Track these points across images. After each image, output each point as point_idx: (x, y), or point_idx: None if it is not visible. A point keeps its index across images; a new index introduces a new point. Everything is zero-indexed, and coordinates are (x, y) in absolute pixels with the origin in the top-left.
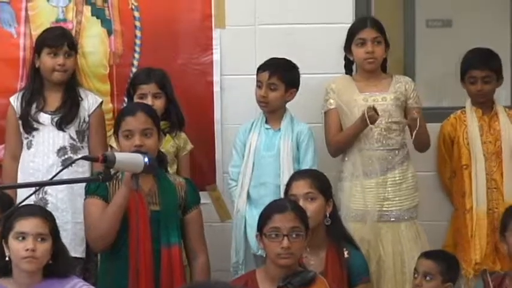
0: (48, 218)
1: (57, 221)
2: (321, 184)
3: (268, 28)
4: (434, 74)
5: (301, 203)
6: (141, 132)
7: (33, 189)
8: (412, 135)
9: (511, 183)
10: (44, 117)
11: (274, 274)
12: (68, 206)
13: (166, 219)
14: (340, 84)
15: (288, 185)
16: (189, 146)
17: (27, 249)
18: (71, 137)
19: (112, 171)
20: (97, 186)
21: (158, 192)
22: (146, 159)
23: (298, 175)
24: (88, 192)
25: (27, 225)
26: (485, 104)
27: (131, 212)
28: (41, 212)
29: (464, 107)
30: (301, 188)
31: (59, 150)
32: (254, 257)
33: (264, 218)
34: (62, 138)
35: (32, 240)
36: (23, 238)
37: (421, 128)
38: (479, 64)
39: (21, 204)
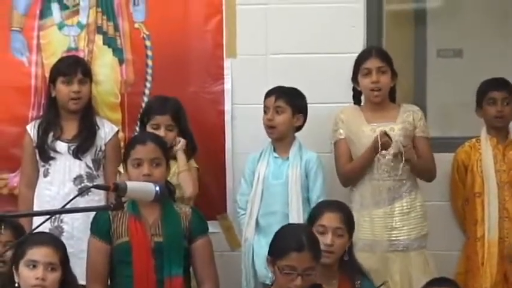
0: (59, 247)
1: (72, 250)
2: (349, 221)
3: (279, 58)
4: (445, 104)
5: (328, 235)
6: (150, 161)
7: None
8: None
9: None
10: (61, 146)
11: None
12: (83, 235)
13: (169, 251)
14: (348, 114)
15: (318, 213)
16: (194, 165)
17: (37, 278)
18: (87, 166)
19: (123, 199)
20: (99, 224)
21: (162, 223)
22: (157, 188)
23: (331, 207)
24: (91, 230)
25: (39, 253)
26: (500, 132)
27: (134, 244)
28: (52, 241)
29: (476, 137)
30: (334, 221)
31: (75, 179)
32: (263, 286)
33: (279, 250)
34: (78, 167)
35: (42, 269)
36: (34, 266)
37: (425, 157)
38: (497, 86)
39: (33, 232)
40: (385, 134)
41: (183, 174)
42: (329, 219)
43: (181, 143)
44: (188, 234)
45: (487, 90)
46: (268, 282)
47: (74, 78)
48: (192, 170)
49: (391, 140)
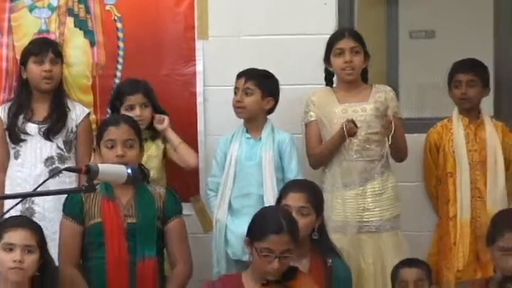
0: (35, 230)
1: (45, 231)
2: (316, 199)
3: (251, 39)
4: (417, 85)
5: (293, 215)
6: (123, 142)
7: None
8: (388, 140)
9: (495, 193)
10: (32, 127)
11: (259, 276)
12: (55, 216)
13: (142, 232)
14: (320, 96)
15: (283, 194)
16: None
17: (14, 261)
18: (59, 147)
19: (95, 181)
20: (72, 205)
21: (135, 204)
22: (129, 170)
23: (296, 187)
24: (63, 211)
25: (15, 236)
26: (471, 112)
27: (107, 225)
28: (29, 224)
29: (448, 117)
30: (297, 200)
31: (46, 160)
32: (236, 263)
33: (258, 232)
34: (49, 148)
35: (19, 251)
36: (11, 249)
37: (398, 136)
38: (464, 68)
39: (9, 215)
40: (351, 121)
41: (180, 146)
42: (293, 199)
43: (166, 120)
44: (162, 215)
45: (454, 72)
46: (245, 259)
47: (46, 58)
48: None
49: (357, 127)
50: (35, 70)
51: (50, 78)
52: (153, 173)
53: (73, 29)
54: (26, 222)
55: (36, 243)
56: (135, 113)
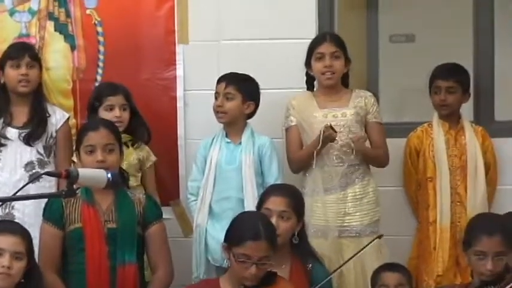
0: (25, 236)
1: None
2: (297, 204)
3: (232, 43)
4: (397, 89)
5: (273, 219)
6: (103, 147)
7: None
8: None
9: (475, 198)
10: (12, 132)
11: (236, 281)
12: (35, 221)
13: (123, 237)
14: (300, 100)
15: (264, 198)
16: (153, 158)
17: (3, 266)
18: (39, 152)
19: (75, 186)
20: (52, 210)
21: (115, 209)
22: (109, 175)
23: (277, 191)
24: (43, 216)
25: (5, 242)
26: (451, 117)
27: (87, 230)
28: (19, 230)
29: (428, 122)
30: (278, 205)
31: (26, 165)
32: (216, 268)
33: (235, 238)
34: (29, 153)
35: (8, 257)
36: (0, 254)
37: (374, 145)
38: (444, 74)
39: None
40: (330, 127)
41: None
42: (274, 203)
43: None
44: (142, 220)
45: (434, 78)
46: (225, 265)
47: (22, 62)
48: (149, 171)
49: (336, 132)
50: (12, 74)
51: (27, 81)
52: (133, 181)
53: (53, 33)
54: (16, 228)
55: (25, 250)
56: (115, 114)
